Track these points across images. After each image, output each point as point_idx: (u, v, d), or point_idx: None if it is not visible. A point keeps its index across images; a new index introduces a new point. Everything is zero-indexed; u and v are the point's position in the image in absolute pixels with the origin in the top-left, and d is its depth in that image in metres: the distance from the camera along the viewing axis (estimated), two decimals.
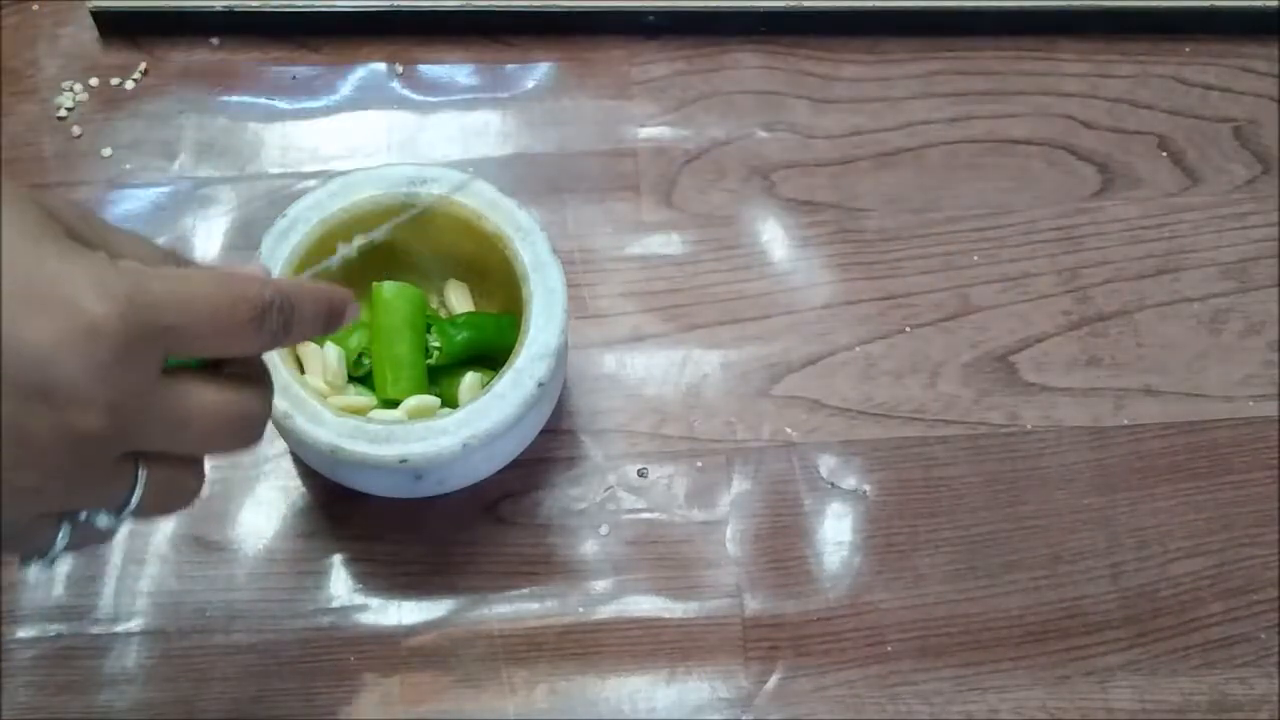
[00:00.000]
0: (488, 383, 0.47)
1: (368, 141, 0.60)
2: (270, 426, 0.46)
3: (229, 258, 0.57)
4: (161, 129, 0.60)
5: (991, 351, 0.57)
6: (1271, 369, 0.57)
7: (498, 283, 0.50)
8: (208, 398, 0.31)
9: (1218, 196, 0.61)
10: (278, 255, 0.46)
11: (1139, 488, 0.54)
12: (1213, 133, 0.62)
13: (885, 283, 0.58)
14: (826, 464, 0.54)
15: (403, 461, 0.44)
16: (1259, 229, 0.60)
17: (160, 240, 0.48)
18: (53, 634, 0.50)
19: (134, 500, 0.30)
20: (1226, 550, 0.53)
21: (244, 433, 0.32)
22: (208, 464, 0.33)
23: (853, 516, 0.53)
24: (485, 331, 0.50)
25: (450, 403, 0.49)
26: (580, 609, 0.51)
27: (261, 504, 0.52)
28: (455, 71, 0.62)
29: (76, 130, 0.60)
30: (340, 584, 0.51)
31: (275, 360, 0.45)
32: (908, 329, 0.57)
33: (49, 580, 0.51)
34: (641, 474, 0.54)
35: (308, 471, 0.52)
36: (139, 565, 0.51)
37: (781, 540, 0.53)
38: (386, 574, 0.51)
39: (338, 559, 0.52)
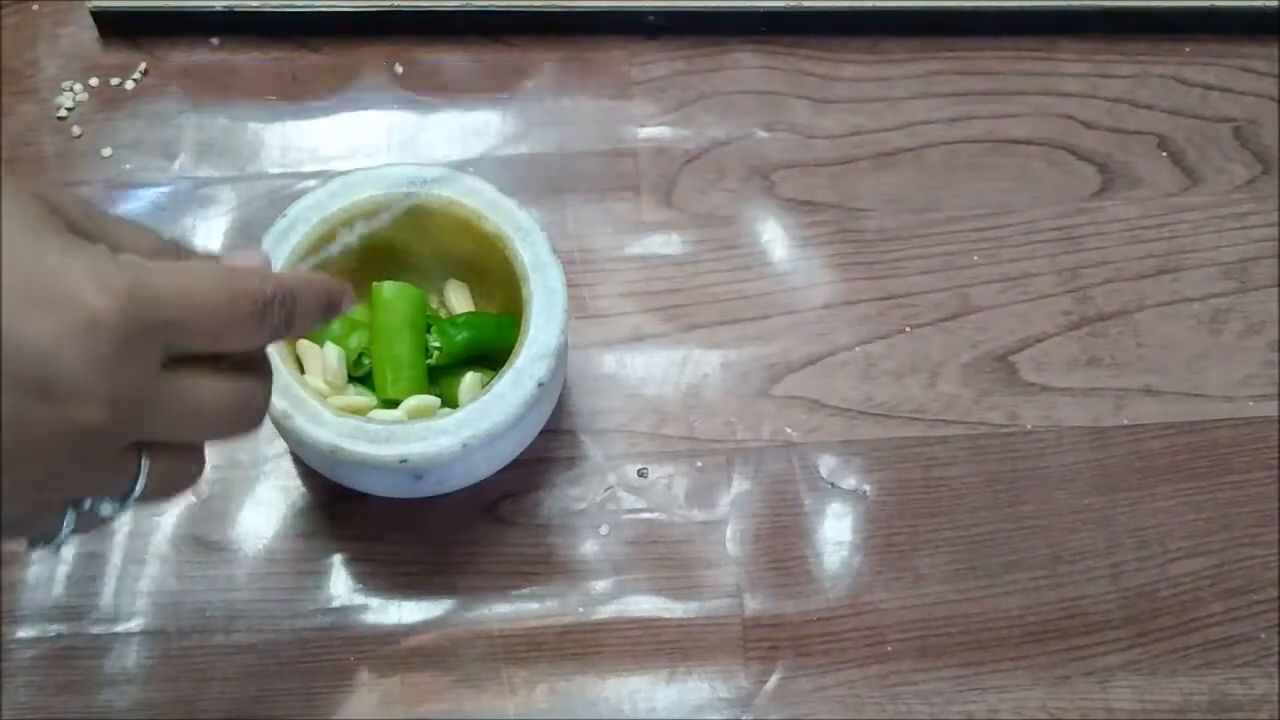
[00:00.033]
0: (488, 383, 0.47)
1: (368, 141, 0.60)
2: (270, 426, 0.46)
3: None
4: (161, 129, 0.60)
5: (991, 351, 0.57)
6: (1271, 369, 0.57)
7: (498, 283, 0.50)
8: (208, 388, 0.31)
9: (1218, 196, 0.61)
10: (278, 255, 0.46)
11: (1139, 488, 0.54)
12: (1213, 133, 0.62)
13: (885, 283, 0.58)
14: (826, 464, 0.54)
15: (403, 461, 0.44)
16: (1259, 229, 0.60)
17: None
18: (53, 634, 0.50)
19: (137, 489, 0.31)
20: (1226, 550, 0.53)
21: (245, 420, 0.33)
22: (209, 455, 0.33)
23: (853, 516, 0.53)
24: (485, 331, 0.50)
25: (450, 403, 0.49)
26: (580, 609, 0.51)
27: (261, 504, 0.52)
28: (455, 71, 0.62)
29: (76, 130, 0.60)
30: (340, 584, 0.51)
31: (275, 360, 0.45)
32: (908, 329, 0.57)
33: (49, 580, 0.51)
34: (641, 474, 0.54)
35: (308, 471, 0.52)
36: (139, 565, 0.51)
37: (781, 540, 0.53)
38: (386, 574, 0.51)
39: (338, 559, 0.52)
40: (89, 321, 0.27)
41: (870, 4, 0.62)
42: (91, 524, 0.31)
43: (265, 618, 0.50)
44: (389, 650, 0.50)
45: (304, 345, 0.49)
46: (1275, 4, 0.63)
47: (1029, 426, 0.55)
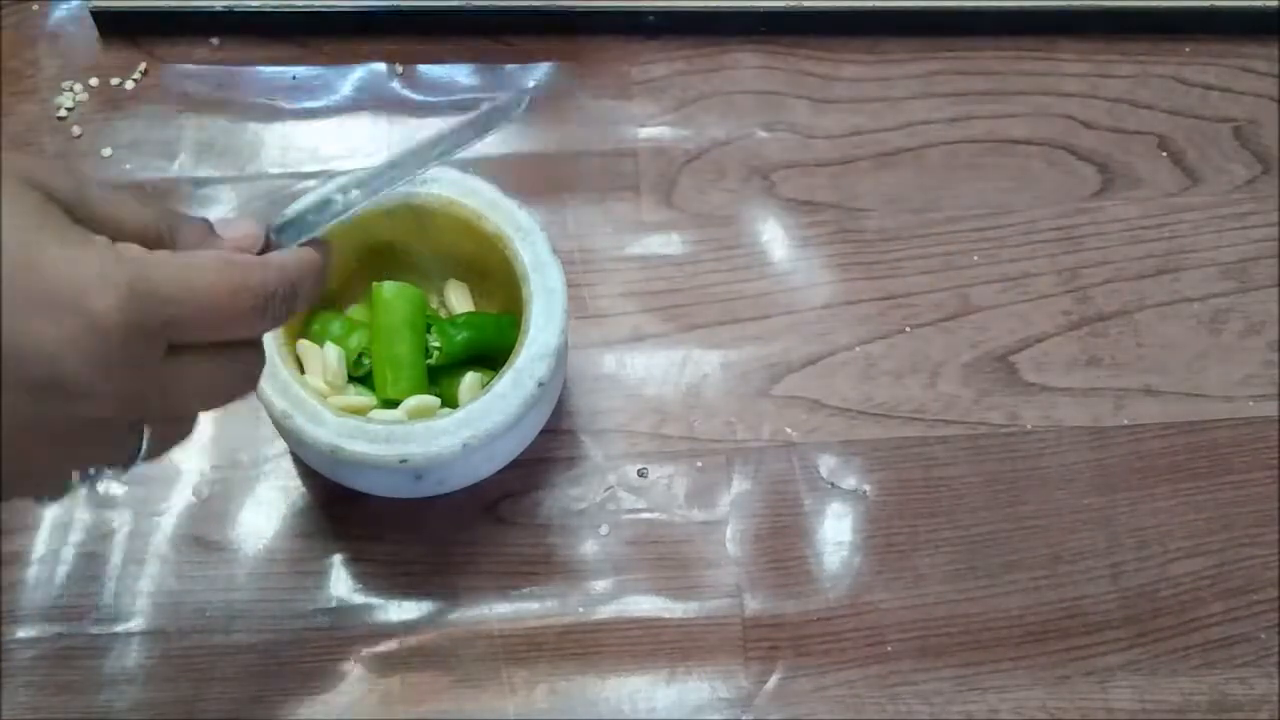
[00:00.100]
0: (488, 383, 0.47)
1: (368, 141, 0.60)
2: (270, 426, 0.46)
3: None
4: (161, 129, 0.60)
5: (991, 351, 0.57)
6: (1271, 369, 0.57)
7: (498, 283, 0.50)
8: (207, 368, 0.32)
9: (1218, 196, 0.61)
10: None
11: (1139, 488, 0.54)
12: (1213, 133, 0.62)
13: (885, 283, 0.58)
14: (826, 464, 0.54)
15: (403, 461, 0.44)
16: (1259, 229, 0.60)
17: None
18: (53, 634, 0.50)
19: (140, 455, 0.32)
20: (1226, 550, 0.53)
21: (243, 390, 0.34)
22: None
23: (853, 516, 0.53)
24: (485, 331, 0.50)
25: (450, 403, 0.49)
26: (580, 609, 0.51)
27: (261, 504, 0.52)
28: (455, 71, 0.62)
29: (76, 130, 0.60)
30: (340, 584, 0.51)
31: (275, 361, 0.45)
32: (908, 329, 0.57)
33: (49, 580, 0.51)
34: (641, 474, 0.54)
35: (308, 471, 0.52)
36: (139, 565, 0.51)
37: (781, 540, 0.53)
38: (386, 574, 0.51)
39: (338, 559, 0.52)
40: (93, 324, 0.27)
41: (870, 4, 0.62)
42: (94, 485, 0.34)
43: (265, 618, 0.50)
44: (389, 650, 0.50)
45: (304, 345, 0.49)
46: (1275, 4, 0.63)
47: (1029, 426, 0.55)
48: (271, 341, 0.45)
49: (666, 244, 0.58)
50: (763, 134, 0.61)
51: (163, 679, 0.49)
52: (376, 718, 0.49)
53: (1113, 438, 0.55)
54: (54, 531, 0.51)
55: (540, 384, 0.45)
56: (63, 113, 0.60)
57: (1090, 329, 0.57)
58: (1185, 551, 0.53)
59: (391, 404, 0.49)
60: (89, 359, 0.27)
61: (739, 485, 0.53)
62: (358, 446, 0.44)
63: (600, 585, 0.51)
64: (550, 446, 0.53)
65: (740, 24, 0.63)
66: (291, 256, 0.34)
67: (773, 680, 0.50)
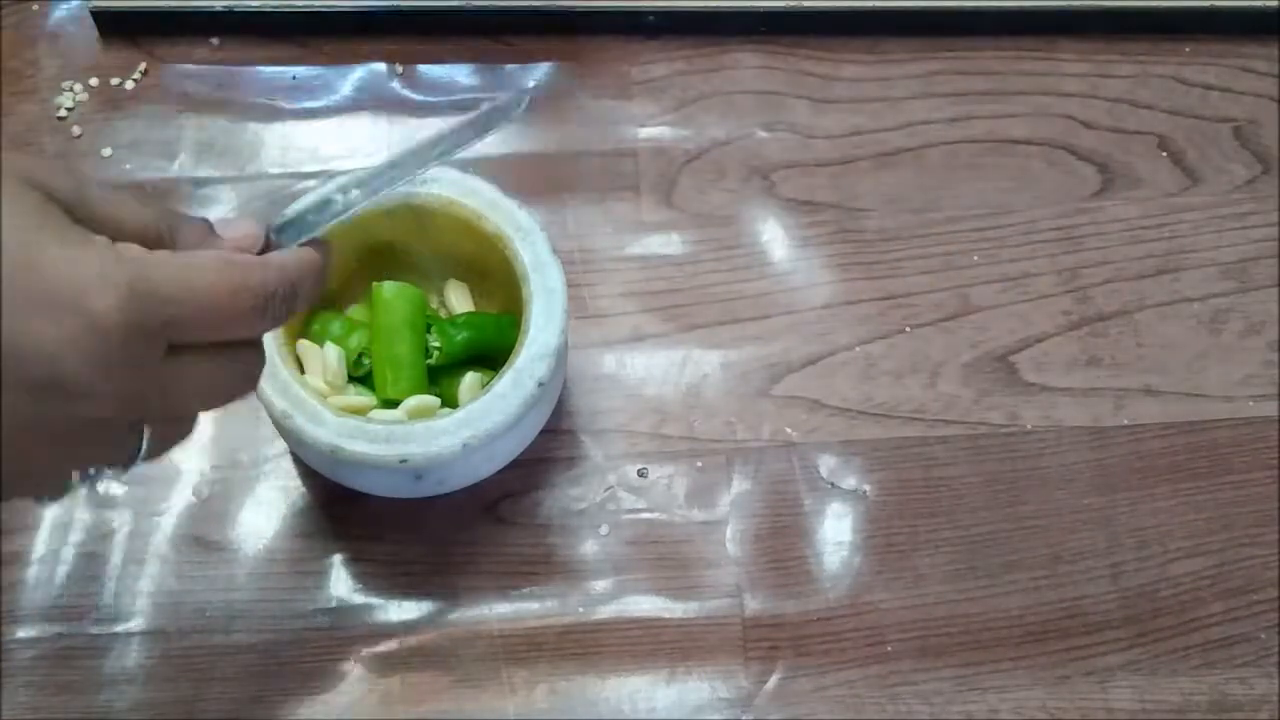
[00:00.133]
0: (488, 383, 0.47)
1: (368, 141, 0.60)
2: (270, 426, 0.46)
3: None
4: (161, 129, 0.60)
5: (991, 351, 0.57)
6: (1271, 369, 0.57)
7: (498, 283, 0.50)
8: (208, 368, 0.32)
9: (1218, 196, 0.61)
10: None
11: (1139, 488, 0.54)
12: (1213, 133, 0.62)
13: (885, 283, 0.58)
14: (826, 464, 0.54)
15: (403, 461, 0.44)
16: (1259, 229, 0.60)
17: None
18: (53, 634, 0.50)
19: (140, 455, 0.32)
20: (1226, 550, 0.53)
21: (243, 389, 0.34)
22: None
23: (853, 516, 0.53)
24: (485, 331, 0.50)
25: (450, 403, 0.49)
26: (580, 609, 0.51)
27: (261, 504, 0.52)
28: (455, 71, 0.62)
29: (76, 130, 0.60)
30: (340, 584, 0.51)
31: (275, 361, 0.45)
32: (908, 329, 0.57)
33: (49, 580, 0.51)
34: (641, 474, 0.54)
35: (308, 471, 0.52)
36: (139, 565, 0.51)
37: (781, 540, 0.53)
38: (386, 574, 0.51)
39: (338, 559, 0.52)
40: (93, 325, 0.27)
41: (870, 4, 0.62)
42: (94, 485, 0.34)
43: (265, 618, 0.50)
44: (389, 650, 0.50)
45: (304, 345, 0.49)
46: (1275, 4, 0.63)
47: (1029, 426, 0.55)
48: (271, 341, 0.45)
49: (666, 244, 0.58)
50: (763, 134, 0.61)
51: (163, 679, 0.49)
52: (376, 718, 0.49)
53: (1113, 438, 0.55)
54: (54, 531, 0.51)
55: (540, 384, 0.45)
56: (63, 113, 0.60)
57: (1090, 329, 0.57)
58: (1185, 551, 0.53)
59: (391, 404, 0.49)
60: (89, 359, 0.27)
61: (739, 485, 0.53)
62: (358, 446, 0.44)
63: (600, 585, 0.51)
64: (550, 446, 0.53)
65: (740, 24, 0.63)
66: (291, 256, 0.34)
67: (773, 680, 0.50)
